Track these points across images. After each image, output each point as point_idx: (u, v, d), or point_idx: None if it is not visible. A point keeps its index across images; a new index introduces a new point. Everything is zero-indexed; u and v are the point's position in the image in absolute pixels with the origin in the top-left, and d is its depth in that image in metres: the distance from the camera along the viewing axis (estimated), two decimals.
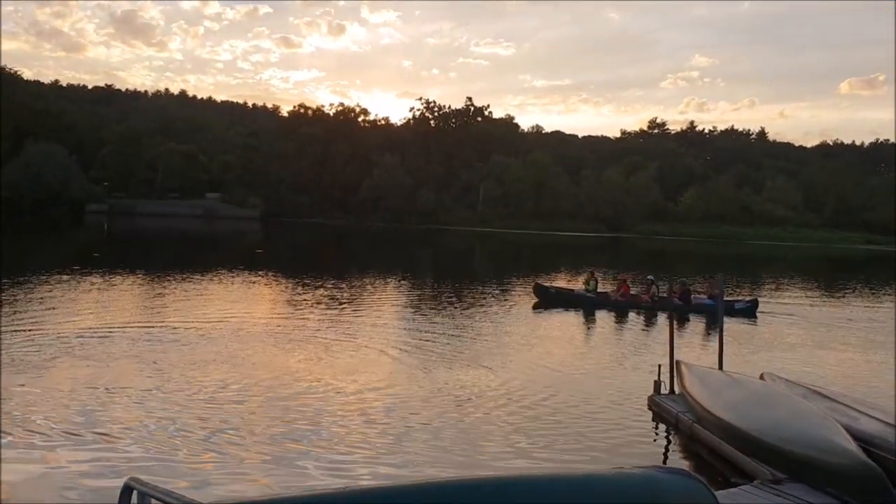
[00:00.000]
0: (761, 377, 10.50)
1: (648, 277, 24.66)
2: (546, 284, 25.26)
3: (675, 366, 10.93)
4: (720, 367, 10.93)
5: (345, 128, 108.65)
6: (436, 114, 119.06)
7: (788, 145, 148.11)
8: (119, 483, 6.89)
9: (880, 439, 7.56)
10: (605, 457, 8.52)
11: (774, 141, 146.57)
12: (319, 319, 18.14)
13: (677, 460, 8.79)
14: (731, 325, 14.58)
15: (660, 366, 11.12)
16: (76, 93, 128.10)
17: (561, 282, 29.75)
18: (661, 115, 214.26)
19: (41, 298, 19.04)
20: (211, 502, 3.44)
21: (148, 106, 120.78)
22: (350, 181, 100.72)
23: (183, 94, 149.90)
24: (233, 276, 28.05)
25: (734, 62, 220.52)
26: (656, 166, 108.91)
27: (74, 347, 13.07)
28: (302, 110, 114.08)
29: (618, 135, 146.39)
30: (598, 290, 23.89)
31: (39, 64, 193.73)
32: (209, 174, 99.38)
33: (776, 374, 10.84)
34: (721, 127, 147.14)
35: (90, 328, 15.16)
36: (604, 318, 21.23)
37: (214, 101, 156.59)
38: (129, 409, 9.44)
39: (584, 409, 10.66)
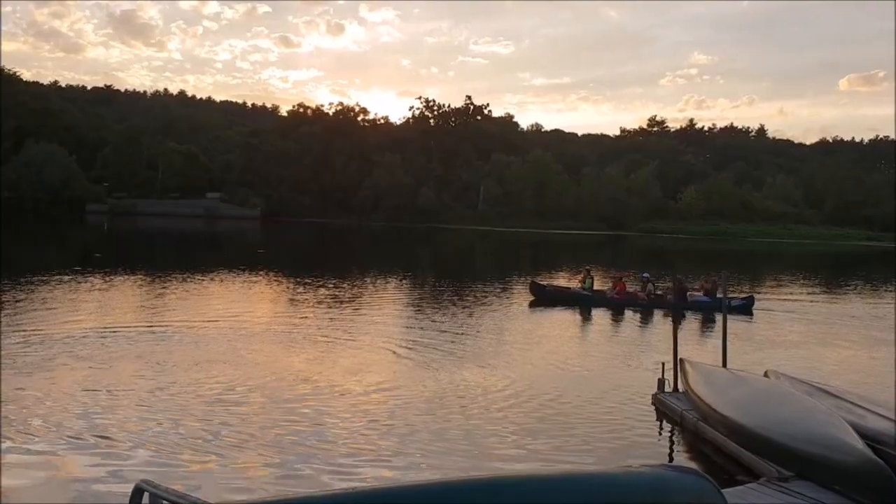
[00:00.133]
0: (765, 375, 10.47)
1: (644, 275, 24.65)
2: (542, 283, 25.28)
3: (678, 363, 10.91)
4: (724, 365, 10.91)
5: (345, 127, 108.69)
6: (435, 113, 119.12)
7: (788, 142, 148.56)
8: (124, 485, 6.95)
9: (887, 437, 7.53)
10: (611, 455, 8.50)
11: (774, 138, 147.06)
12: (321, 319, 18.12)
13: (682, 458, 8.76)
14: (730, 322, 14.48)
15: (663, 363, 11.09)
16: (76, 93, 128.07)
17: (562, 280, 29.75)
18: (661, 113, 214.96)
19: (42, 299, 19.02)
20: (222, 503, 3.41)
21: (148, 106, 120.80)
22: (350, 180, 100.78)
23: (182, 94, 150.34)
24: (234, 276, 28.05)
25: (733, 59, 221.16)
26: (656, 164, 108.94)
27: (76, 348, 13.05)
28: (301, 110, 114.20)
29: (617, 133, 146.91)
30: (594, 288, 23.91)
31: (38, 65, 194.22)
32: (209, 174, 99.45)
33: (781, 371, 10.82)
34: (721, 124, 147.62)
35: (92, 328, 15.14)
36: (601, 316, 21.21)
37: (214, 101, 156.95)
38: (131, 411, 9.41)
39: (588, 408, 10.64)
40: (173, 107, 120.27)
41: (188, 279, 25.93)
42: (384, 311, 20.51)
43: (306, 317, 18.46)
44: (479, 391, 11.28)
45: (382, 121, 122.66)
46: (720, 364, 11.05)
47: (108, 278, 24.99)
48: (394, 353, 14.07)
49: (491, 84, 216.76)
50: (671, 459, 8.73)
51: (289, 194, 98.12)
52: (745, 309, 22.17)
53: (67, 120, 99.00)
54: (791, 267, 49.39)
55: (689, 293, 23.12)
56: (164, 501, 3.24)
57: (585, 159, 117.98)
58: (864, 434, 7.36)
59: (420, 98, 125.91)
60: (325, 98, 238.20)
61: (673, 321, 11.76)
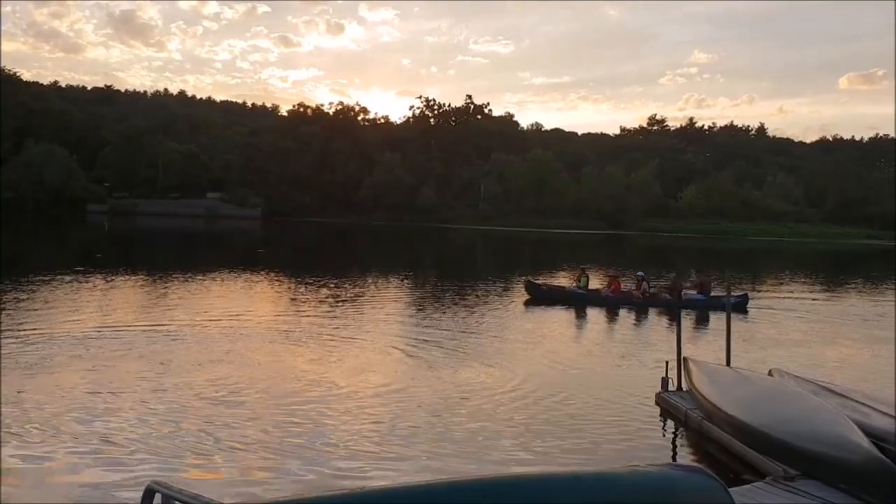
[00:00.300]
0: (770, 373, 10.47)
1: (639, 273, 24.64)
2: (537, 282, 25.29)
3: (682, 362, 10.90)
4: (728, 364, 10.90)
5: (345, 126, 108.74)
6: (436, 112, 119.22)
7: (788, 141, 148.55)
8: (128, 486, 6.95)
9: (893, 435, 7.52)
10: (616, 454, 8.49)
11: (774, 136, 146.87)
12: (323, 318, 18.12)
13: (687, 457, 8.75)
14: (731, 320, 14.43)
15: (667, 362, 11.08)
16: (76, 93, 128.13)
17: (562, 279, 29.74)
18: (661, 112, 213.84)
19: (44, 299, 19.01)
20: (234, 503, 3.40)
21: (148, 106, 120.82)
22: (351, 180, 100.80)
23: (182, 94, 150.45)
24: (235, 276, 28.05)
25: (733, 58, 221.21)
26: (656, 163, 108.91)
27: (78, 348, 13.04)
28: (301, 109, 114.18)
29: (617, 132, 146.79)
30: (590, 287, 23.92)
31: (38, 65, 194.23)
32: (210, 174, 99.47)
33: (785, 369, 10.81)
34: (721, 123, 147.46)
35: (93, 328, 15.12)
36: (597, 315, 21.19)
37: (214, 101, 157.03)
38: (134, 411, 9.40)
39: (592, 407, 10.63)
40: (173, 107, 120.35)
41: (189, 279, 25.92)
42: (385, 310, 20.50)
43: (308, 316, 18.45)
44: (482, 391, 11.26)
45: (382, 120, 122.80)
46: (724, 363, 11.05)
47: (109, 278, 24.98)
48: (396, 352, 14.06)
49: (491, 83, 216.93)
50: (674, 458, 8.72)
51: (289, 194, 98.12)
52: (740, 307, 22.09)
53: (68, 120, 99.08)
54: (792, 265, 49.35)
55: (683, 291, 23.09)
56: (177, 502, 3.23)
57: (585, 158, 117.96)
58: (869, 432, 7.35)
59: (420, 97, 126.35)
60: (325, 98, 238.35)
61: (677, 320, 11.74)
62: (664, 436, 9.66)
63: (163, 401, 9.90)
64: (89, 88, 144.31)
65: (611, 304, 22.32)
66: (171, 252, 43.92)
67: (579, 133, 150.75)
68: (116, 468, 7.47)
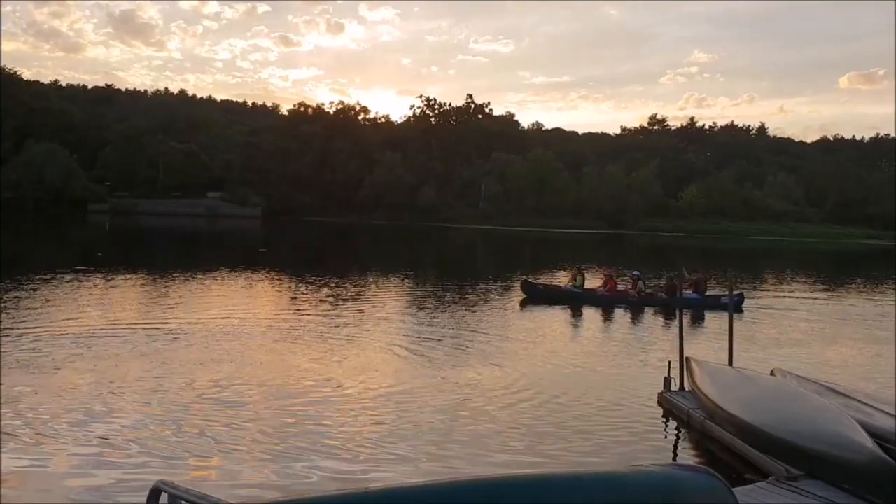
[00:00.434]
0: (772, 373, 10.46)
1: (634, 273, 24.64)
2: (533, 281, 25.30)
3: (685, 362, 10.89)
4: (730, 363, 10.90)
5: (345, 126, 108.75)
6: (436, 111, 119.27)
7: (789, 140, 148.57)
8: (131, 486, 6.94)
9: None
10: (619, 454, 8.49)
11: (775, 136, 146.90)
12: (324, 318, 18.11)
13: (690, 457, 8.75)
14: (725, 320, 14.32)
15: (669, 362, 11.08)
16: (76, 93, 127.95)
17: (563, 279, 29.72)
18: (661, 112, 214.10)
19: (45, 298, 19.01)
20: (241, 502, 3.39)
21: (149, 105, 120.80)
22: (351, 179, 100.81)
23: (183, 93, 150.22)
24: (236, 275, 28.04)
25: (733, 57, 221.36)
26: (657, 162, 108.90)
27: (80, 348, 13.02)
28: (302, 108, 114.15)
29: (618, 131, 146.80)
30: (585, 286, 23.94)
31: (39, 64, 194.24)
32: (210, 173, 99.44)
33: (787, 369, 10.81)
34: (721, 122, 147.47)
35: (95, 328, 15.12)
36: (594, 314, 21.19)
37: (214, 100, 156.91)
38: (136, 411, 9.39)
39: (594, 407, 10.62)
40: (174, 106, 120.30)
41: (190, 278, 25.93)
42: (386, 309, 20.50)
43: (309, 316, 18.45)
44: (483, 391, 11.25)
45: (383, 119, 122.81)
46: (726, 362, 11.04)
47: (110, 277, 24.97)
48: (397, 352, 14.06)
49: (491, 82, 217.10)
50: (676, 458, 8.71)
51: (290, 193, 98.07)
52: (736, 306, 22.01)
53: (68, 119, 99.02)
54: (793, 265, 49.36)
55: (679, 291, 23.05)
56: (183, 502, 3.22)
57: (586, 157, 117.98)
58: (872, 432, 7.34)
59: (421, 97, 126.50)
60: (326, 97, 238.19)
61: (679, 320, 11.73)
62: (667, 436, 9.65)
63: (164, 400, 9.89)
64: (90, 88, 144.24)
65: (606, 304, 22.33)
66: (171, 251, 43.90)
67: (580, 132, 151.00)
68: (119, 468, 7.45)
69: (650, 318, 20.67)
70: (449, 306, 21.17)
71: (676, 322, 19.90)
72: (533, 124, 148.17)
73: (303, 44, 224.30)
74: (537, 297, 23.31)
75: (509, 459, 8.23)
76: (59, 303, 18.49)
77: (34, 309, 17.16)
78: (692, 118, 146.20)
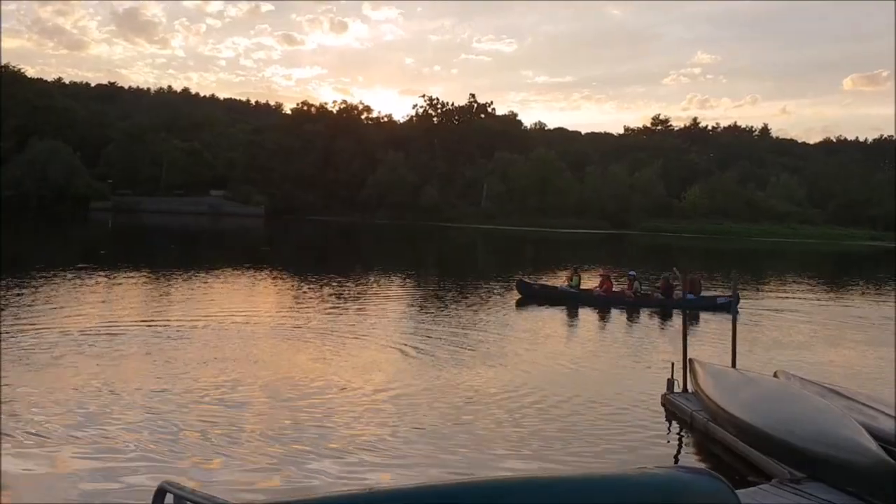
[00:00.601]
0: (775, 375, 10.44)
1: (630, 273, 24.61)
2: (529, 281, 25.28)
3: (688, 364, 10.88)
4: (733, 365, 10.88)
5: (348, 125, 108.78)
6: (439, 110, 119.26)
7: (792, 142, 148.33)
8: (133, 485, 6.94)
9: None
10: (622, 456, 8.48)
11: (777, 137, 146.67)
12: (327, 317, 18.12)
13: (693, 459, 8.75)
14: (724, 321, 14.19)
15: (672, 364, 11.07)
16: (79, 90, 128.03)
17: (563, 279, 29.70)
18: (664, 112, 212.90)
19: (47, 296, 19.04)
20: (245, 502, 3.39)
21: (152, 103, 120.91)
22: (354, 178, 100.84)
23: (186, 91, 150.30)
24: (240, 274, 28.08)
25: (736, 58, 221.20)
26: (660, 163, 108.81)
27: (82, 346, 13.04)
28: (305, 107, 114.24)
29: (621, 131, 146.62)
30: (581, 286, 23.92)
31: (42, 62, 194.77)
32: (213, 171, 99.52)
33: (790, 371, 10.79)
34: (724, 123, 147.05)
35: (98, 326, 15.14)
36: (590, 315, 21.18)
37: (217, 99, 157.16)
38: (139, 410, 9.39)
39: (596, 408, 10.61)
40: (177, 104, 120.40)
41: (193, 277, 25.96)
42: (389, 308, 20.52)
43: (312, 315, 18.46)
44: (486, 392, 11.26)
45: (386, 119, 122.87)
46: (729, 364, 11.02)
47: (112, 275, 25.01)
48: (399, 352, 14.06)
49: (494, 82, 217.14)
50: (678, 460, 8.72)
51: (292, 192, 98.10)
52: (731, 307, 21.88)
53: (71, 117, 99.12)
54: (795, 266, 49.29)
55: (675, 292, 23.04)
56: (188, 502, 3.22)
57: (589, 157, 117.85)
58: (876, 435, 7.33)
59: (423, 96, 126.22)
60: (328, 96, 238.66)
61: (683, 321, 11.71)
62: (670, 438, 9.64)
63: (167, 400, 9.89)
64: (93, 85, 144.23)
65: (602, 304, 22.32)
66: (175, 249, 43.92)
67: (583, 132, 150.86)
68: (121, 468, 7.45)
69: (647, 319, 20.67)
70: (449, 306, 21.18)
71: (673, 323, 20.07)
72: (536, 124, 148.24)
73: (306, 42, 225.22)
74: (533, 296, 23.28)
75: (512, 461, 8.23)
76: (60, 301, 18.51)
77: (35, 307, 17.18)
78: (695, 119, 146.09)
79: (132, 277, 25.36)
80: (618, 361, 14.51)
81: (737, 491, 4.68)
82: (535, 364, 13.63)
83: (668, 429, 9.93)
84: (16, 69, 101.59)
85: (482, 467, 7.92)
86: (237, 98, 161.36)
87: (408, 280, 30.03)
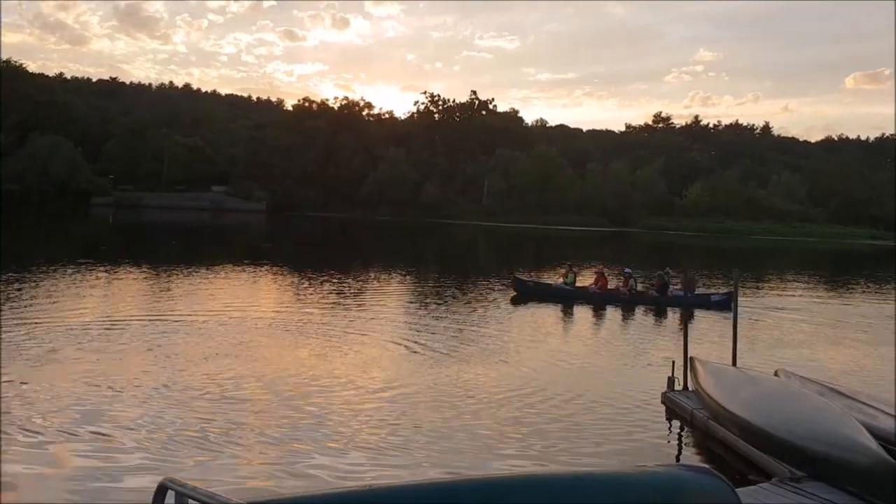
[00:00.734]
0: (776, 374, 10.44)
1: (626, 270, 24.61)
2: (524, 278, 25.28)
3: (688, 362, 10.88)
4: (734, 364, 10.88)
5: (349, 121, 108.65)
6: (440, 107, 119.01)
7: (793, 140, 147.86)
8: (135, 484, 6.95)
9: None
10: (622, 454, 8.48)
11: (779, 135, 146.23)
12: (327, 313, 18.13)
13: (693, 457, 8.75)
14: (722, 319, 14.24)
15: (673, 362, 11.07)
16: (80, 85, 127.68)
17: (561, 277, 29.69)
18: (666, 110, 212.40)
19: (48, 291, 19.05)
20: (249, 501, 3.39)
21: (153, 98, 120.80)
22: (355, 174, 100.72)
23: (187, 87, 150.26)
24: (241, 270, 28.07)
25: (738, 57, 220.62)
26: (661, 160, 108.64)
27: (83, 341, 13.06)
28: (307, 104, 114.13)
29: (622, 129, 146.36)
30: (577, 284, 23.89)
31: (44, 57, 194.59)
32: (215, 167, 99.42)
33: (791, 370, 10.80)
34: (726, 121, 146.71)
35: (98, 321, 15.15)
36: (586, 312, 21.20)
37: (219, 95, 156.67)
38: (139, 406, 9.40)
39: (596, 406, 10.62)
40: (178, 99, 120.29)
41: (195, 272, 25.97)
42: (389, 305, 20.53)
43: (312, 311, 18.47)
44: (486, 390, 11.26)
45: (387, 115, 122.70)
46: (729, 363, 11.03)
47: (113, 271, 25.02)
48: (399, 348, 14.08)
49: (495, 79, 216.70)
50: (678, 458, 8.72)
51: (294, 188, 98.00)
52: (726, 305, 21.85)
53: (72, 112, 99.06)
54: (796, 265, 49.25)
55: (669, 290, 23.08)
56: (190, 500, 3.22)
57: (590, 155, 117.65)
58: (876, 434, 7.34)
59: (425, 92, 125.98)
60: (330, 92, 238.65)
61: (683, 319, 11.72)
62: (670, 436, 9.65)
63: (168, 396, 9.90)
64: (94, 81, 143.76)
65: (598, 301, 22.33)
66: (175, 245, 43.91)
67: (584, 130, 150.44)
68: (122, 465, 7.47)
69: (642, 317, 20.70)
70: (449, 303, 21.19)
71: (669, 320, 20.08)
72: (537, 121, 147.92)
73: (308, 38, 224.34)
74: (527, 293, 23.28)
75: (512, 459, 8.24)
76: (61, 296, 18.51)
77: (36, 302, 17.19)
78: (697, 117, 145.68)
79: (133, 273, 25.36)
80: (617, 359, 14.51)
81: (737, 489, 4.69)
82: (535, 361, 13.63)
83: (669, 427, 9.94)
84: (17, 64, 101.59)
85: (482, 465, 7.93)
86: (239, 94, 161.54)
87: (408, 277, 30.03)
